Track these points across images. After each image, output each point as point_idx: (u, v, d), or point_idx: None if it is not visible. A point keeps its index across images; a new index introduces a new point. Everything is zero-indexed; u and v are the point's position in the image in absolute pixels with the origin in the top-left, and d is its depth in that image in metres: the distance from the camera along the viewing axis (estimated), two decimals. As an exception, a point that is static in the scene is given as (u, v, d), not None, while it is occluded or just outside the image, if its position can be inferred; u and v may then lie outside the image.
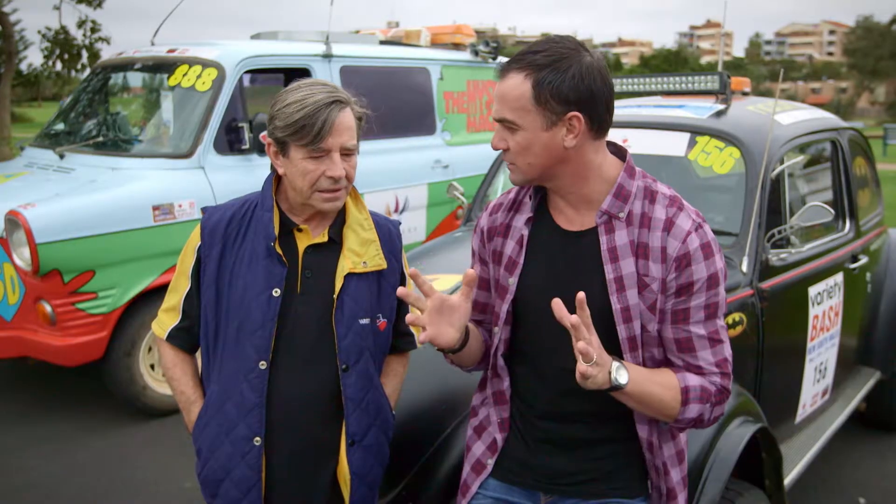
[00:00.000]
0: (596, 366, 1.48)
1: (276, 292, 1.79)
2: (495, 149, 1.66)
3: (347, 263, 1.83)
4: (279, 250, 1.80)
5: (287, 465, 1.83)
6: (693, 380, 1.63)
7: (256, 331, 1.78)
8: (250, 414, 1.80)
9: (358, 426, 1.85)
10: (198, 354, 1.96)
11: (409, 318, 1.62)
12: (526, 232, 1.72)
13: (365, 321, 1.84)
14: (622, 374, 1.54)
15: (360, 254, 1.85)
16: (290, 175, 1.79)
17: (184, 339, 1.91)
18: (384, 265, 1.88)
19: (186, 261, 1.89)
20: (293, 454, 1.83)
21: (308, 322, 1.81)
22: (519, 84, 1.56)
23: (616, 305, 1.61)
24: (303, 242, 1.84)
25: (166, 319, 1.92)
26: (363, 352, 1.85)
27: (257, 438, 1.80)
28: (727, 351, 1.66)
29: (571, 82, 1.53)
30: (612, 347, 1.62)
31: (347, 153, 1.78)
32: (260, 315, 1.78)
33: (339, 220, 1.88)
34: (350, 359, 1.82)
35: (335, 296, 1.81)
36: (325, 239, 1.84)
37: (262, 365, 1.79)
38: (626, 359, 1.64)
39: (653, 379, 1.61)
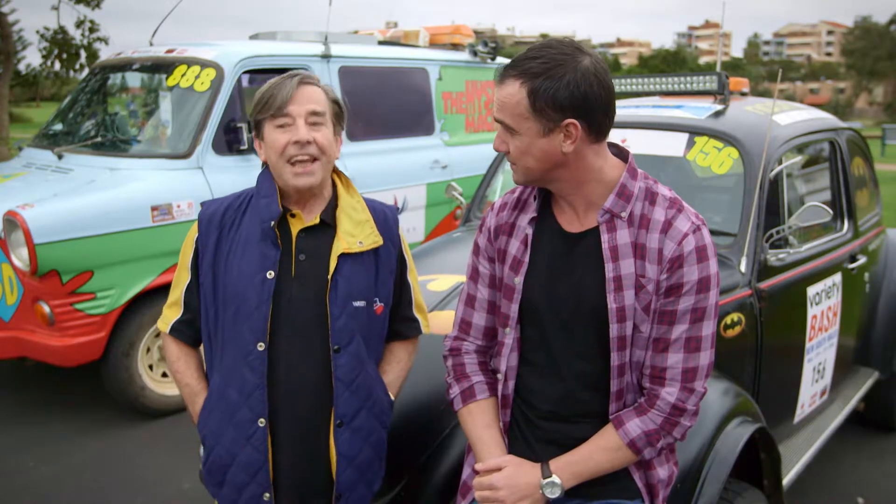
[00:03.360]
0: (508, 478, 1.65)
1: (270, 275, 1.81)
2: (497, 150, 1.67)
3: (342, 244, 1.85)
4: (277, 231, 1.82)
5: (292, 445, 1.85)
6: (634, 429, 1.64)
7: (252, 313, 1.81)
8: (252, 396, 1.82)
9: (347, 407, 1.85)
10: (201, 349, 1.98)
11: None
12: (530, 231, 1.73)
13: (360, 304, 1.86)
14: (555, 489, 1.64)
15: (354, 234, 1.87)
16: (266, 155, 1.84)
17: (186, 332, 1.94)
18: (380, 241, 1.90)
19: (186, 254, 1.92)
20: (297, 435, 1.85)
21: (303, 304, 1.83)
22: (515, 92, 1.57)
23: (612, 305, 1.62)
24: (296, 227, 1.87)
25: (169, 314, 1.95)
26: (355, 334, 1.86)
27: (261, 420, 1.82)
28: (704, 360, 1.65)
29: (567, 90, 1.53)
30: (604, 345, 1.64)
31: (315, 122, 1.80)
32: (255, 297, 1.80)
33: (331, 205, 1.90)
34: (342, 340, 1.84)
35: (329, 276, 1.83)
36: (317, 221, 1.86)
37: (260, 346, 1.81)
38: (612, 359, 1.64)
39: (592, 457, 1.67)
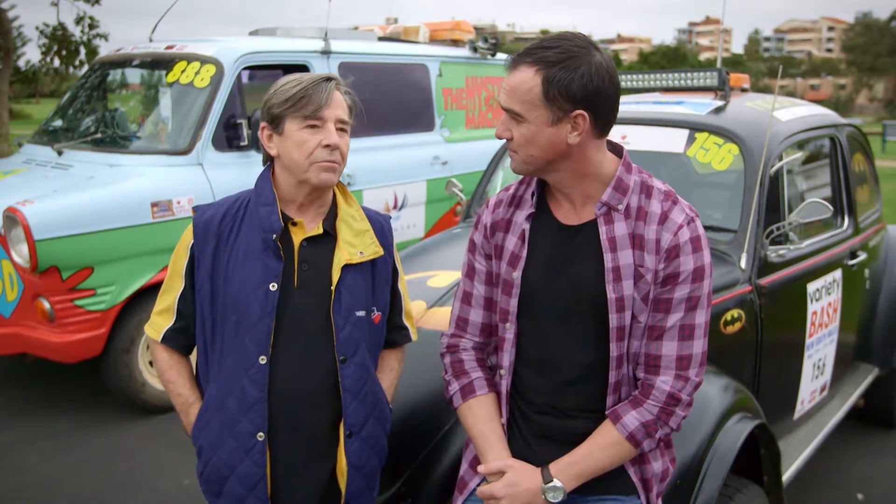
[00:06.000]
0: (509, 486, 1.65)
1: (274, 286, 1.79)
2: (499, 137, 1.68)
3: (344, 255, 1.83)
4: (279, 244, 1.80)
5: (291, 458, 1.84)
6: (631, 421, 1.65)
7: (255, 325, 1.78)
8: (252, 409, 1.80)
9: (356, 417, 1.85)
10: (192, 356, 1.96)
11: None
12: (527, 227, 1.74)
13: (361, 313, 1.85)
14: (557, 493, 1.64)
15: (355, 244, 1.86)
16: (284, 151, 1.79)
17: (179, 340, 1.91)
18: (381, 252, 1.90)
19: (179, 260, 1.88)
20: (296, 448, 1.84)
21: (306, 315, 1.82)
22: (529, 79, 1.58)
23: (611, 294, 1.64)
24: (298, 236, 1.84)
25: (160, 321, 1.91)
26: (360, 344, 1.85)
27: (260, 433, 1.80)
28: (698, 349, 1.67)
29: (581, 81, 1.56)
30: (602, 336, 1.66)
31: (342, 128, 1.80)
32: (258, 309, 1.78)
33: (330, 215, 1.88)
34: (348, 350, 1.83)
35: (333, 287, 1.81)
36: (321, 231, 1.84)
37: (262, 360, 1.79)
38: (611, 349, 1.66)
39: (592, 455, 1.67)
